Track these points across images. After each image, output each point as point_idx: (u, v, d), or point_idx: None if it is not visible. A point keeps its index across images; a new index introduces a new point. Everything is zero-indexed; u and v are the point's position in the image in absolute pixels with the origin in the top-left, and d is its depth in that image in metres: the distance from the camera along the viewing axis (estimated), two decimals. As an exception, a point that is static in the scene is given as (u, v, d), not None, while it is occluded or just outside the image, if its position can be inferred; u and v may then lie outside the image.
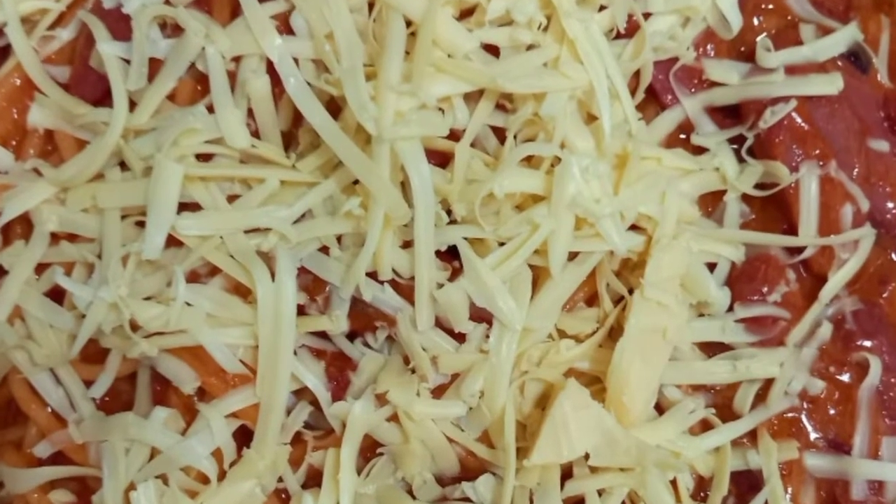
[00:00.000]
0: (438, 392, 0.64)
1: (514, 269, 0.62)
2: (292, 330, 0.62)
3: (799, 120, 0.67)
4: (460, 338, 0.64)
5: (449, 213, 0.63)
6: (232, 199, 0.64)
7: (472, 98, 0.64)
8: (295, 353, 0.63)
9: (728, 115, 0.69)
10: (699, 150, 0.68)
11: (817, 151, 0.67)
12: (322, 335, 0.66)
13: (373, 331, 0.65)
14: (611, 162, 0.65)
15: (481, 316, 0.63)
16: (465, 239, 0.63)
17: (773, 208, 0.68)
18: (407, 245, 0.63)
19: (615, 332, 0.65)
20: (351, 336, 0.66)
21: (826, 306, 0.68)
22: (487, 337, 0.63)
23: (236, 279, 0.63)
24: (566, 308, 0.66)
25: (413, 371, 0.64)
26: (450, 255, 0.64)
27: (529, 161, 0.65)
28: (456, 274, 0.63)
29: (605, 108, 0.64)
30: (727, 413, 0.66)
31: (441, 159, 0.64)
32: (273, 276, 0.62)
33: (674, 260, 0.64)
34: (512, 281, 0.63)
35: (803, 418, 0.67)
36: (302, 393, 0.66)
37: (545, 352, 0.64)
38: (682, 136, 0.69)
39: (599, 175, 0.63)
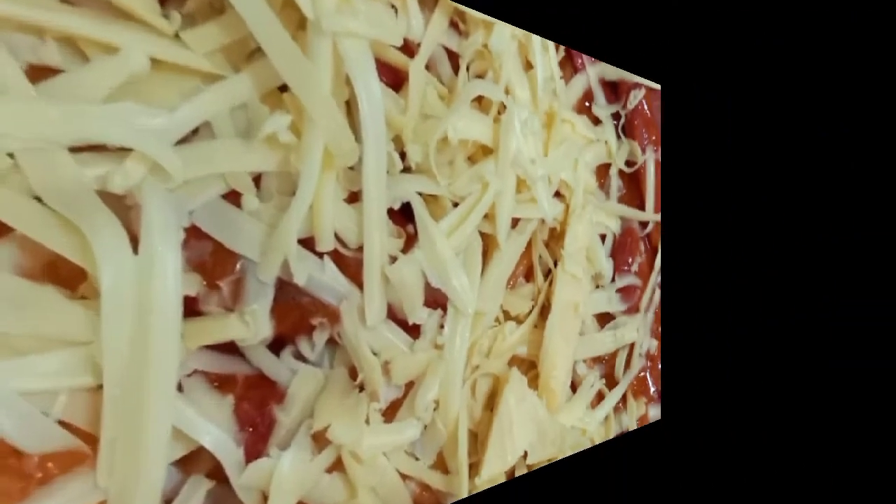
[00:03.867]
0: (389, 413, 0.50)
1: (467, 236, 0.53)
2: (175, 345, 0.36)
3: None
4: (414, 331, 0.51)
5: (402, 157, 0.48)
6: (43, 74, 0.34)
7: (426, 6, 0.49)
8: (179, 388, 0.37)
9: (612, 90, 0.70)
10: (595, 122, 0.68)
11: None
12: (229, 349, 0.40)
13: (308, 333, 0.44)
14: (541, 119, 0.59)
15: (435, 299, 0.52)
16: (420, 196, 0.50)
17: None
18: (352, 200, 0.46)
19: (545, 311, 0.61)
20: (276, 346, 0.43)
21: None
22: (441, 327, 0.52)
23: (51, 249, 0.33)
24: (510, 285, 0.60)
25: (361, 388, 0.47)
26: (402, 216, 0.49)
27: (480, 103, 0.53)
28: (410, 243, 0.49)
29: (538, 53, 0.58)
30: (611, 382, 0.68)
31: (393, 79, 0.50)
32: (135, 243, 0.34)
33: (585, 231, 0.63)
34: (465, 252, 0.54)
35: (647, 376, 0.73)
36: (193, 461, 0.41)
37: (493, 339, 0.57)
38: (587, 104, 0.68)
39: (535, 132, 0.58)
